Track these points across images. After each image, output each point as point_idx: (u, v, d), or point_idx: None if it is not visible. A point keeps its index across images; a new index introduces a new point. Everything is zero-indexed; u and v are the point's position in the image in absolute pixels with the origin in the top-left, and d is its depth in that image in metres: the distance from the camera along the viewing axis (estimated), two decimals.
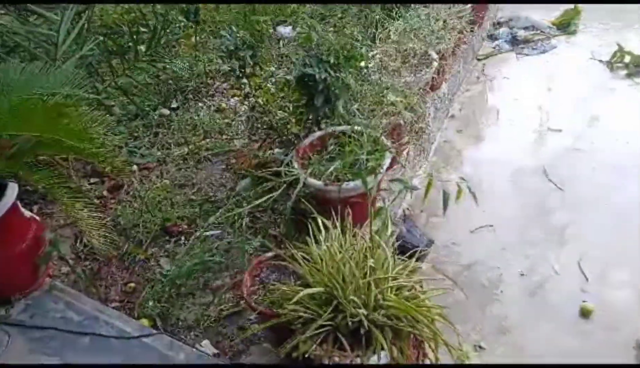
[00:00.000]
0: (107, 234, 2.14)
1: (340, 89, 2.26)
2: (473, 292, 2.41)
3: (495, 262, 2.60)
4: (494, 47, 4.31)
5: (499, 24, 4.54)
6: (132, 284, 2.36)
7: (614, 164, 3.03)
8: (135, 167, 3.04)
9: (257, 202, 2.17)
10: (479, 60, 4.20)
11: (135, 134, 3.24)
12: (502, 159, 3.24)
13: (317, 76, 2.15)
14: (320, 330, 1.53)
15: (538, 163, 3.13)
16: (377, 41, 2.95)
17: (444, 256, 2.67)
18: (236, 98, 3.50)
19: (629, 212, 2.70)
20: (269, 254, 2.00)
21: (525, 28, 4.38)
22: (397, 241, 2.57)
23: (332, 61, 2.20)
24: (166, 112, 3.53)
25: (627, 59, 3.79)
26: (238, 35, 2.34)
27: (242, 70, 2.48)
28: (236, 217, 2.40)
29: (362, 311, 1.49)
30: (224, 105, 3.65)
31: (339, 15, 4.07)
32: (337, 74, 2.24)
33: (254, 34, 3.50)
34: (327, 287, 1.57)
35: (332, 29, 3.43)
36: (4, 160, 1.88)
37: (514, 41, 4.30)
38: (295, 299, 1.52)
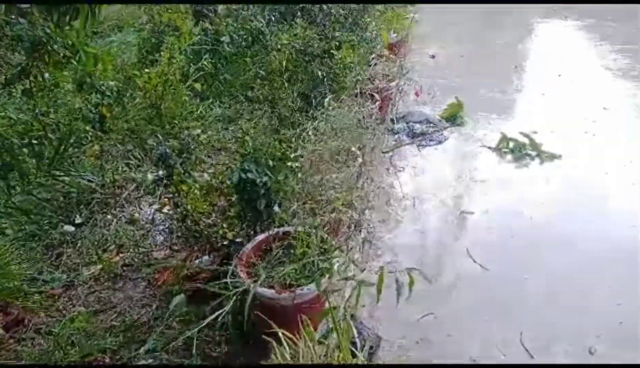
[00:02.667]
0: None
1: (278, 191, 2.21)
2: None
3: (443, 351, 2.57)
4: (395, 140, 4.64)
5: (397, 119, 4.94)
6: None
7: (526, 240, 3.29)
8: (37, 296, 2.62)
9: (205, 322, 1.94)
10: (384, 153, 4.47)
11: (36, 257, 2.84)
12: (428, 244, 3.35)
13: (258, 180, 2.08)
14: None
15: (460, 244, 3.29)
16: (301, 141, 3.00)
17: (391, 350, 2.59)
18: (154, 207, 3.27)
19: (552, 283, 2.90)
20: None
21: (420, 122, 4.81)
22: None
23: (270, 164, 2.16)
24: (70, 228, 3.18)
25: (511, 144, 4.30)
26: (167, 143, 2.22)
27: (170, 178, 2.34)
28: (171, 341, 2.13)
29: None
30: (136, 215, 3.40)
31: (247, 117, 4.15)
32: (276, 177, 2.20)
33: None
34: None
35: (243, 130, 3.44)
36: None
37: (413, 134, 4.68)
38: None
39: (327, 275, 2.01)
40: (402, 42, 5.38)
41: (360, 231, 2.68)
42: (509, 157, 4.24)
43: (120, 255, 3.07)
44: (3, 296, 2.00)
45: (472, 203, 3.69)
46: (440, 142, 4.57)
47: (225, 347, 2.27)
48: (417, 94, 5.59)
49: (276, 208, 2.30)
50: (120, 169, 3.76)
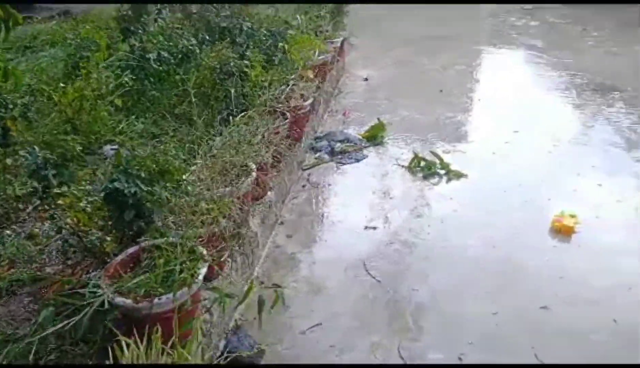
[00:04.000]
0: None
1: (153, 203, 2.25)
2: None
3: (326, 360, 2.65)
4: (316, 158, 4.76)
5: (320, 138, 5.08)
6: None
7: (419, 252, 3.43)
8: None
9: (49, 331, 1.94)
10: (304, 170, 4.58)
11: None
12: (330, 258, 3.44)
13: (126, 191, 2.12)
14: None
15: (359, 259, 3.39)
16: (198, 156, 3.06)
17: (277, 361, 2.65)
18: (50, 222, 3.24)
19: (439, 301, 3.03)
20: None
21: (341, 141, 4.97)
22: (228, 353, 2.52)
23: (143, 176, 2.21)
24: None
25: (422, 163, 4.48)
26: (39, 155, 2.24)
27: (47, 191, 2.35)
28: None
29: None
30: (36, 230, 3.35)
31: (171, 134, 4.18)
32: (150, 188, 2.25)
33: (65, 154, 3.36)
34: None
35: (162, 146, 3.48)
36: None
37: (333, 152, 4.82)
38: None
39: (188, 286, 2.05)
40: (327, 66, 5.54)
41: (241, 244, 2.73)
42: (420, 175, 4.41)
43: (12, 270, 3.02)
44: None
45: (378, 217, 3.82)
46: (358, 160, 4.72)
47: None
48: (345, 114, 5.78)
49: (154, 220, 2.34)
50: (28, 183, 3.70)
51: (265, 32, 4.78)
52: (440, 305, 2.99)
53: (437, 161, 4.47)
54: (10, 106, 3.44)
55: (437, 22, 9.24)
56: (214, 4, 5.30)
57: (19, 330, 2.51)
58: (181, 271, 2.09)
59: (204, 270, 2.16)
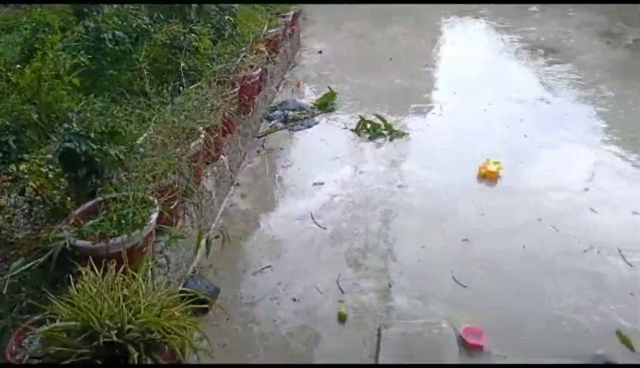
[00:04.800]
0: None
1: (104, 160, 2.54)
2: (254, 324, 2.78)
3: (273, 294, 3.00)
4: (270, 126, 5.06)
5: (274, 108, 5.37)
6: None
7: (362, 202, 3.80)
8: None
9: (14, 271, 2.24)
10: (258, 137, 4.88)
11: None
12: (281, 213, 3.78)
13: (77, 150, 2.40)
14: (78, 359, 1.68)
15: (307, 210, 3.74)
16: (149, 122, 3.33)
17: (231, 298, 2.99)
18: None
19: (374, 241, 3.41)
20: (35, 317, 2.07)
21: (294, 109, 5.27)
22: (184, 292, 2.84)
23: (92, 136, 2.48)
24: None
25: (368, 126, 4.83)
26: None
27: (8, 155, 2.60)
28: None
29: (114, 332, 1.70)
30: (3, 202, 3.58)
31: (124, 108, 4.41)
32: (100, 148, 2.53)
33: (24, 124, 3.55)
34: (83, 320, 1.75)
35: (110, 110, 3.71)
36: None
37: (286, 120, 5.12)
38: (49, 336, 1.66)
39: (140, 227, 2.36)
40: (279, 39, 5.80)
41: (192, 197, 3.04)
42: (366, 136, 4.76)
43: None
44: None
45: (326, 175, 4.16)
46: (309, 126, 5.04)
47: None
48: (298, 85, 6.07)
49: (110, 175, 2.62)
50: None
51: (214, 7, 5.00)
52: (376, 245, 3.36)
53: (382, 123, 4.82)
54: None
55: None
56: None
57: None
58: (134, 215, 2.39)
59: (154, 216, 2.46)
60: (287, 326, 2.77)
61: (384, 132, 4.77)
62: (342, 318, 2.79)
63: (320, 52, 7.13)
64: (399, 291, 2.97)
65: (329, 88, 5.56)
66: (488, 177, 3.92)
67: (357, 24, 8.16)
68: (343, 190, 3.97)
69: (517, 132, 4.64)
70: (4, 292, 2.45)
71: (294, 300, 2.95)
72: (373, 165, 4.30)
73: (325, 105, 5.37)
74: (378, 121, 4.86)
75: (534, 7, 8.55)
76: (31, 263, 2.41)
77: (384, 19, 8.36)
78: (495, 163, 3.97)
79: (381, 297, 2.93)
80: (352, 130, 4.90)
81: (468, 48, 7.10)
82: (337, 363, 2.56)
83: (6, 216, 3.47)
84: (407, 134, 4.71)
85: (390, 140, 4.66)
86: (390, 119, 4.89)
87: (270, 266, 3.22)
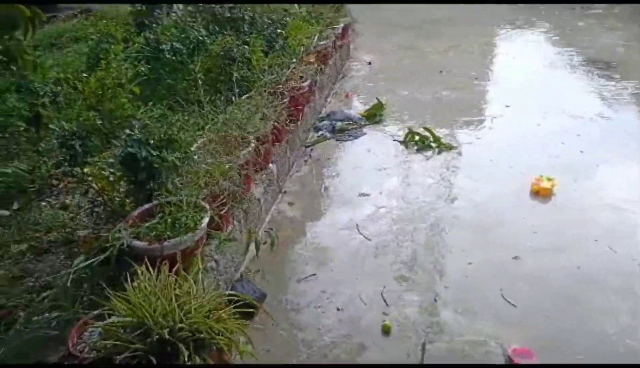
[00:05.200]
0: None
1: (162, 165, 2.66)
2: (298, 330, 2.81)
3: (318, 303, 3.03)
4: (318, 136, 5.13)
5: (322, 118, 5.44)
6: None
7: (408, 214, 3.77)
8: None
9: (78, 267, 2.38)
10: (306, 147, 4.95)
11: None
12: (327, 221, 3.82)
13: (138, 155, 2.53)
14: (133, 355, 1.77)
15: (353, 221, 3.76)
16: (205, 130, 3.46)
17: (276, 304, 3.04)
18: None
19: (420, 254, 3.38)
20: (95, 312, 2.20)
21: (342, 120, 5.32)
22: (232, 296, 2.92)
23: (151, 142, 2.62)
24: (5, 213, 3.58)
25: (416, 138, 4.80)
26: (67, 128, 2.66)
27: (74, 159, 2.78)
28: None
29: (166, 330, 1.78)
30: (68, 202, 3.82)
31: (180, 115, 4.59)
32: (159, 154, 2.66)
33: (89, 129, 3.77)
34: (138, 317, 1.84)
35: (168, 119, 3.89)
36: None
37: (334, 130, 5.17)
38: (107, 330, 1.76)
39: (192, 231, 2.45)
40: (329, 50, 5.88)
41: (241, 203, 3.13)
42: (414, 148, 4.73)
43: (48, 234, 3.48)
44: None
45: (372, 187, 4.17)
46: (357, 137, 5.06)
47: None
48: (347, 96, 6.12)
49: (165, 182, 2.74)
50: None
51: (266, 20, 5.14)
52: (422, 258, 3.33)
53: (430, 136, 4.77)
54: (41, 93, 3.91)
55: (436, 6, 9.44)
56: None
57: (57, 280, 2.97)
58: (187, 219, 2.49)
59: (206, 220, 2.56)
60: (331, 334, 2.78)
61: (432, 144, 4.73)
62: (386, 330, 2.78)
63: (369, 63, 7.16)
64: (444, 306, 2.93)
65: (377, 99, 5.57)
66: (541, 194, 3.80)
67: (407, 35, 8.15)
68: (389, 202, 3.96)
69: (573, 147, 4.48)
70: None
71: (338, 309, 2.97)
72: (420, 178, 4.26)
73: (374, 116, 5.39)
74: (426, 133, 4.82)
75: (590, 20, 8.24)
76: (92, 260, 2.55)
77: (434, 30, 8.30)
78: (549, 179, 3.85)
79: (426, 312, 2.89)
80: (399, 142, 4.89)
81: (521, 60, 6.92)
82: None
83: (70, 215, 3.71)
84: (456, 147, 4.64)
85: (439, 153, 4.61)
86: (439, 132, 4.84)
87: (315, 274, 3.25)
